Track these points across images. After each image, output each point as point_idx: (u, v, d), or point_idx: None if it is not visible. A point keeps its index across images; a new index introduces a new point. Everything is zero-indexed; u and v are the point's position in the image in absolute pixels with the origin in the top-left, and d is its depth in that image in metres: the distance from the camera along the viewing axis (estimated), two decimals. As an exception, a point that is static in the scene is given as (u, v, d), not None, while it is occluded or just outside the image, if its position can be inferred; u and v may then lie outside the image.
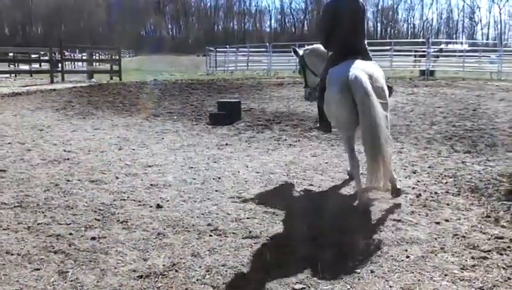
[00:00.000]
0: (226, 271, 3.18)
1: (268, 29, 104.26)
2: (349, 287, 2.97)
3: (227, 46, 31.74)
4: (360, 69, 4.30)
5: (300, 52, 5.80)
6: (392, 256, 3.36)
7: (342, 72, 4.35)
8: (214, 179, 5.38)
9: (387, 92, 4.54)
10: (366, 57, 4.79)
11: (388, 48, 26.36)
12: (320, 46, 5.33)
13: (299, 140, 7.64)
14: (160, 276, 3.10)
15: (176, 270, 3.18)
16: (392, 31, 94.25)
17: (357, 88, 4.12)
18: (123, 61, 24.62)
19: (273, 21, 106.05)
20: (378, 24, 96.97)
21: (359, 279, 3.06)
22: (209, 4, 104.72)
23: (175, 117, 9.98)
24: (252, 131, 8.44)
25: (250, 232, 3.84)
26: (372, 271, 3.15)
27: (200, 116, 10.01)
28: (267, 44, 29.89)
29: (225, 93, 14.30)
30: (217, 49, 31.53)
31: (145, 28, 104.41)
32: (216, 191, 4.95)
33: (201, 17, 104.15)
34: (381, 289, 2.95)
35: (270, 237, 3.76)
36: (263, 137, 7.90)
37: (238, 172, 5.67)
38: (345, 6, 4.77)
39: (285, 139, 7.69)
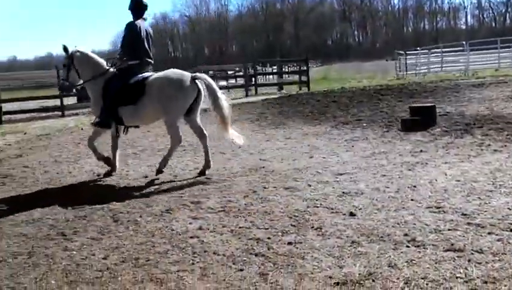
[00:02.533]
0: (427, 284, 3.01)
1: (463, 26, 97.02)
2: None
3: (418, 48, 30.34)
4: None
5: None
6: None
7: None
8: (408, 187, 5.16)
9: None
10: None
11: None
12: None
13: (505, 145, 6.91)
14: (357, 284, 3.07)
15: (373, 280, 3.11)
16: None
17: None
18: (310, 71, 25.29)
19: (469, 17, 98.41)
20: None
21: None
22: (397, 7, 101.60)
23: (364, 124, 9.87)
24: (450, 136, 7.89)
25: (452, 244, 3.57)
26: None
27: (391, 123, 9.72)
28: (463, 42, 27.79)
29: (417, 98, 13.66)
30: (407, 52, 30.37)
31: (331, 36, 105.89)
32: (412, 200, 4.73)
33: (388, 20, 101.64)
34: None
35: (476, 250, 3.44)
36: (463, 143, 7.33)
37: (436, 180, 5.35)
38: None
39: (489, 145, 7.02)
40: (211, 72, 30.61)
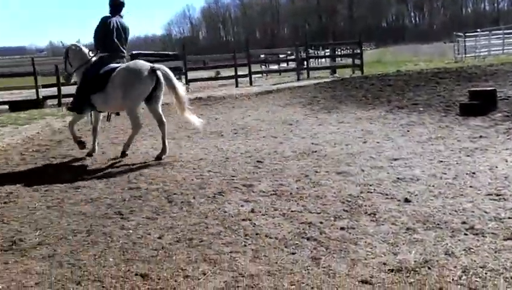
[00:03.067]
0: (486, 273, 2.90)
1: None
2: None
3: (478, 30, 29.01)
4: None
5: None
6: None
7: None
8: (467, 174, 4.98)
9: None
10: None
11: None
12: None
13: None
14: (412, 272, 3.00)
15: (429, 268, 3.03)
16: None
17: None
18: (364, 54, 24.75)
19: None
20: None
21: None
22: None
23: (421, 109, 9.57)
24: (511, 122, 7.53)
25: (513, 233, 3.42)
26: None
27: (449, 107, 9.38)
28: (528, 23, 26.36)
29: (477, 81, 13.11)
30: (466, 34, 29.13)
31: (387, 18, 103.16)
32: (470, 187, 4.56)
33: (447, 1, 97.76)
34: None
35: (539, 241, 3.28)
36: (525, 128, 6.99)
37: (496, 167, 5.13)
38: None
39: (554, 130, 6.65)
40: (262, 55, 30.67)
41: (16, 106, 15.75)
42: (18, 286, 3.18)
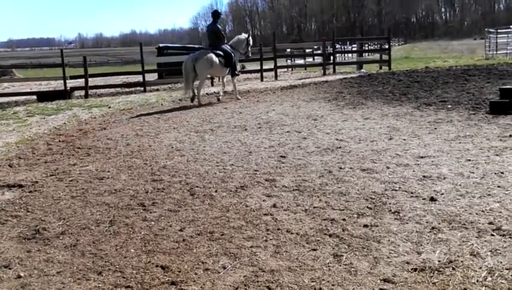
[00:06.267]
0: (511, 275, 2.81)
1: None
2: None
3: (511, 27, 28.26)
4: None
5: None
6: None
7: None
8: (495, 173, 4.84)
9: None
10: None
11: None
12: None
13: None
14: (436, 272, 2.93)
15: (453, 268, 2.95)
16: None
17: None
18: (392, 50, 24.39)
19: None
20: None
21: None
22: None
23: (449, 106, 9.37)
24: (543, 121, 7.32)
25: (542, 236, 3.31)
26: None
27: (478, 105, 9.16)
28: None
29: (508, 79, 12.78)
30: (498, 31, 28.42)
31: (416, 14, 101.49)
32: (498, 187, 4.44)
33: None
34: None
35: None
36: (557, 128, 6.77)
37: (526, 167, 4.98)
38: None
39: None
40: (288, 50, 30.55)
41: (43, 97, 16.03)
42: (39, 274, 3.22)
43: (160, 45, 23.97)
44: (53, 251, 3.58)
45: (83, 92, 16.86)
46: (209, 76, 14.77)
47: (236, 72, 13.26)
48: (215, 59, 12.38)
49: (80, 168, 6.17)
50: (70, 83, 17.51)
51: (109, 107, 13.03)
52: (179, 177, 5.46)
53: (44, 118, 11.21)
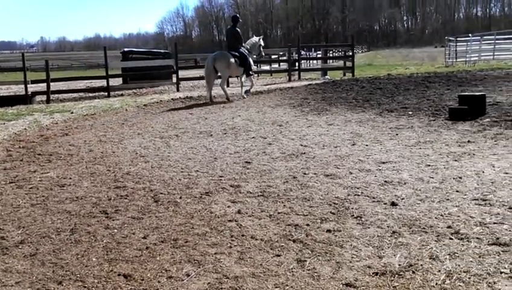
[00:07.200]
0: (469, 278, 2.90)
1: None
2: None
3: (470, 35, 29.23)
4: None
5: None
6: None
7: None
8: (454, 178, 4.99)
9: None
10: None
11: None
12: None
13: (558, 137, 6.56)
14: (396, 275, 2.99)
15: (413, 272, 3.02)
16: None
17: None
18: (356, 57, 24.83)
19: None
20: None
21: None
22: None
23: (410, 112, 9.60)
24: (499, 127, 7.57)
25: (497, 238, 3.42)
26: None
27: (438, 111, 9.42)
28: (518, 29, 26.57)
29: (467, 86, 13.20)
30: (458, 39, 29.32)
31: (379, 22, 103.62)
32: (457, 191, 4.57)
33: (440, 6, 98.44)
34: None
35: (523, 246, 3.29)
36: (512, 134, 7.02)
37: (483, 172, 5.14)
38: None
39: (541, 137, 6.69)
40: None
41: (3, 102, 15.57)
42: (-2, 284, 3.13)
43: (125, 49, 23.72)
44: (12, 260, 3.48)
45: (44, 97, 16.51)
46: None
47: (251, 72, 14.85)
48: (232, 59, 13.70)
49: (41, 175, 6.03)
50: (32, 88, 17.08)
51: (72, 113, 12.78)
52: (143, 184, 5.40)
53: (4, 124, 10.90)
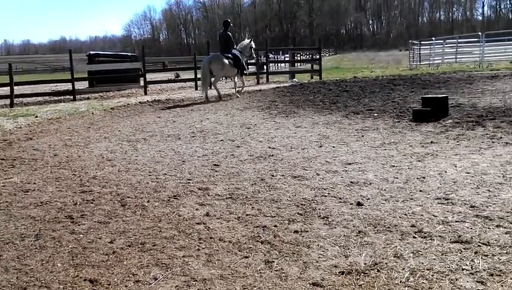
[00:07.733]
0: (432, 275, 2.98)
1: (480, 18, 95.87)
2: None
3: (433, 39, 29.98)
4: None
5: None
6: None
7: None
8: (417, 178, 5.11)
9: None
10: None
11: None
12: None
13: (517, 138, 6.80)
14: (362, 274, 3.05)
15: (378, 270, 3.09)
16: None
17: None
18: (323, 60, 25.12)
19: (486, 8, 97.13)
20: None
21: None
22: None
23: (375, 114, 9.78)
24: (461, 128, 7.79)
25: (459, 236, 3.53)
26: None
27: (402, 113, 9.63)
28: (479, 33, 27.36)
29: (430, 89, 13.53)
30: (421, 42, 30.01)
31: (346, 26, 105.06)
32: (420, 191, 4.69)
33: (404, 10, 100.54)
34: None
35: (483, 243, 3.40)
36: (474, 135, 7.24)
37: (445, 172, 5.29)
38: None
39: (501, 137, 6.91)
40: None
41: (-36, 106, 15.13)
42: (-41, 293, 3.05)
43: (91, 52, 23.36)
44: (-27, 268, 3.39)
45: (8, 101, 16.11)
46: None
47: (245, 72, 15.83)
48: (226, 61, 14.54)
49: (4, 180, 5.89)
50: (-6, 92, 16.64)
51: (36, 117, 12.51)
52: (110, 188, 5.34)
53: (-36, 128, 10.59)
